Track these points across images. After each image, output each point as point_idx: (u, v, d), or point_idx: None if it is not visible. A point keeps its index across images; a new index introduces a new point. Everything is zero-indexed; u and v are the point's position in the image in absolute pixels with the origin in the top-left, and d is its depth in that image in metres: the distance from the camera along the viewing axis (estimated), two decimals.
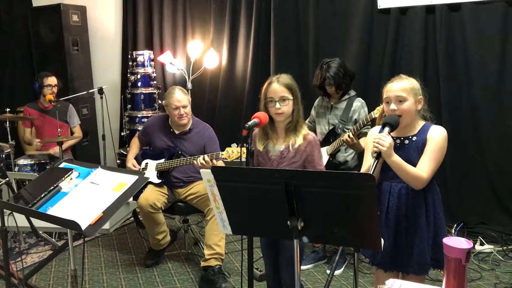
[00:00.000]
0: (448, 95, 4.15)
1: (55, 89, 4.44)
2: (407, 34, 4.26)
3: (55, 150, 4.32)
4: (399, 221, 2.14)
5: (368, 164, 2.20)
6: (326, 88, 3.45)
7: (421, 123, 2.18)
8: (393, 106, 2.12)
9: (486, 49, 4.02)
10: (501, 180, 4.12)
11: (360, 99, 3.47)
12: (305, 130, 2.39)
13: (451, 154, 4.10)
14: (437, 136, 2.11)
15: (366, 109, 3.42)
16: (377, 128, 2.27)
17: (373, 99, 3.24)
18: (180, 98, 3.48)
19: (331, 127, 3.49)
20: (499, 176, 4.12)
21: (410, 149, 2.13)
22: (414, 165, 2.09)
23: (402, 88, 2.11)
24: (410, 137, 2.15)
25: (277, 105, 2.30)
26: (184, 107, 3.49)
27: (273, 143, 2.39)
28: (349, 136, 3.16)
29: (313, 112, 3.66)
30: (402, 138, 2.16)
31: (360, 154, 3.37)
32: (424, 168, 2.08)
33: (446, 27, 4.09)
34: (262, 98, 2.36)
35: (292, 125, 2.36)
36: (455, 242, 1.57)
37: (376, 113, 3.02)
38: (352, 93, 3.50)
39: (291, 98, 2.32)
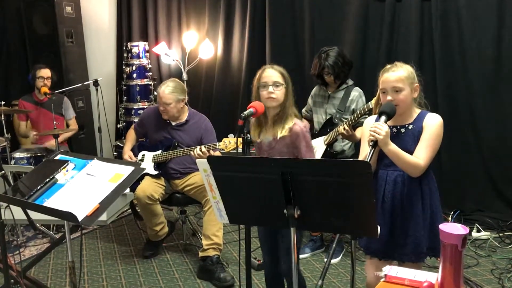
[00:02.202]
0: (444, 82, 4.15)
1: (47, 82, 4.41)
2: (402, 21, 4.24)
3: (51, 144, 4.30)
4: (395, 209, 2.14)
5: (365, 153, 2.20)
6: (324, 77, 3.44)
7: (417, 111, 2.18)
8: (389, 97, 2.11)
9: (481, 36, 4.02)
10: (497, 167, 4.14)
11: (357, 88, 3.46)
12: (291, 122, 2.34)
13: (447, 141, 4.11)
14: (433, 123, 2.11)
15: (364, 98, 3.42)
16: (373, 117, 2.27)
17: (369, 88, 3.23)
18: (162, 95, 3.46)
19: (328, 117, 3.49)
20: (496, 164, 4.14)
21: (407, 137, 2.13)
22: (411, 153, 2.09)
23: (398, 78, 2.10)
24: (407, 125, 2.15)
25: (270, 89, 2.30)
26: (166, 104, 3.47)
27: (264, 132, 2.39)
28: (344, 128, 3.15)
29: (310, 101, 3.65)
30: (398, 127, 2.16)
31: (357, 143, 3.38)
32: (420, 156, 2.08)
33: (442, 14, 4.08)
34: (255, 85, 2.36)
35: (280, 115, 2.34)
36: (451, 228, 1.58)
37: (373, 103, 3.02)
38: (350, 82, 3.49)
39: (284, 85, 2.32)
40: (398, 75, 2.11)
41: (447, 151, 4.17)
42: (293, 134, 2.33)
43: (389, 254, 2.19)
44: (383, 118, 2.05)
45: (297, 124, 2.36)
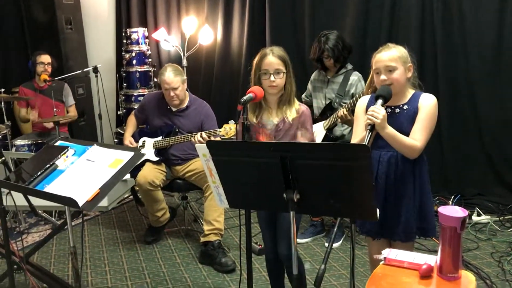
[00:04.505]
0: (445, 66, 4.13)
1: (48, 67, 4.40)
2: (403, 5, 4.21)
3: (50, 124, 4.31)
4: (388, 190, 2.15)
5: (358, 135, 2.20)
6: (324, 61, 3.42)
7: (411, 91, 2.17)
8: (383, 76, 2.11)
9: (483, 19, 3.98)
10: (497, 151, 4.13)
11: (357, 72, 3.45)
12: (297, 103, 2.39)
13: (448, 125, 4.11)
14: (428, 104, 2.11)
15: (363, 82, 3.40)
16: (367, 97, 2.26)
17: (370, 72, 3.23)
18: (169, 80, 3.42)
19: (327, 102, 3.48)
20: (496, 148, 4.13)
21: (401, 118, 2.13)
22: (406, 133, 2.09)
23: (391, 58, 2.10)
24: (401, 105, 2.15)
25: (272, 78, 2.28)
26: (174, 89, 3.44)
27: (267, 116, 2.38)
28: (343, 112, 3.15)
29: (309, 86, 3.64)
30: (393, 107, 2.15)
31: None
32: (417, 137, 2.08)
33: None
34: (255, 71, 2.34)
35: (284, 98, 2.35)
36: (450, 211, 1.59)
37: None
38: (349, 66, 3.48)
39: (285, 71, 2.31)
40: (391, 54, 2.11)
41: (448, 135, 4.17)
42: (301, 115, 2.37)
43: (381, 233, 2.21)
44: (379, 101, 2.05)
45: (302, 105, 2.42)
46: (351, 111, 3.18)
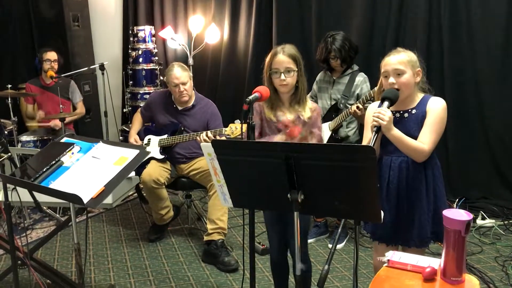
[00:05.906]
0: (452, 69, 4.12)
1: (54, 64, 4.42)
2: (410, 7, 4.20)
3: (55, 123, 4.32)
4: (400, 195, 2.14)
5: (368, 139, 2.19)
6: (331, 61, 3.42)
7: (420, 95, 2.16)
8: (391, 79, 2.10)
9: (490, 22, 3.97)
10: (503, 155, 4.12)
11: (362, 73, 3.44)
12: (309, 102, 2.39)
13: (454, 128, 4.10)
14: (436, 107, 2.10)
15: (368, 84, 3.40)
16: (376, 103, 2.25)
17: (376, 74, 3.20)
18: (179, 75, 3.44)
19: (333, 102, 3.48)
20: (502, 151, 4.12)
21: (410, 122, 2.12)
22: (415, 138, 2.08)
23: (400, 61, 2.09)
24: (410, 110, 2.14)
25: (282, 77, 2.28)
26: (184, 83, 3.46)
27: (281, 113, 2.37)
28: (358, 107, 3.12)
29: (315, 87, 3.64)
30: (401, 112, 2.15)
31: (361, 129, 3.37)
32: (425, 140, 2.07)
33: (451, 0, 4.03)
34: (266, 69, 2.33)
35: (296, 97, 2.34)
36: (455, 214, 1.59)
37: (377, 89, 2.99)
38: (355, 67, 3.47)
39: (296, 69, 2.30)
40: (400, 58, 2.10)
41: (454, 139, 4.15)
42: (315, 113, 2.37)
43: (395, 240, 2.20)
44: (386, 103, 2.04)
45: (313, 103, 2.43)
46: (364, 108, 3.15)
